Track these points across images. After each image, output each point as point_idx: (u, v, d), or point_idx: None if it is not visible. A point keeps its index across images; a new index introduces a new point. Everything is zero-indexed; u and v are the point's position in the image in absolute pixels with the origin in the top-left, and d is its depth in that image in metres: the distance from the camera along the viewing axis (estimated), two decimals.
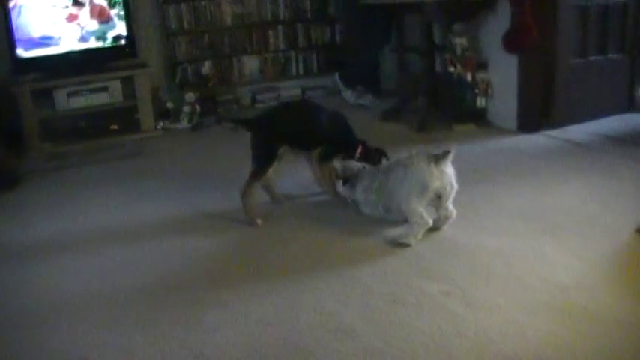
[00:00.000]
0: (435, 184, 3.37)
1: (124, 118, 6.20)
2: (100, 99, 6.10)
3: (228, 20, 7.10)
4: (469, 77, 5.53)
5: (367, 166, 3.94)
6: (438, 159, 3.40)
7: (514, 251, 3.19)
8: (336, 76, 7.06)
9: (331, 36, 7.50)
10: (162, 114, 6.47)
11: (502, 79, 5.39)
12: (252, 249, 3.48)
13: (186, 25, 6.94)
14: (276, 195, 4.14)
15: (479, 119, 5.58)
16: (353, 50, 7.20)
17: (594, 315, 2.57)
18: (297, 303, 2.84)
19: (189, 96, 6.49)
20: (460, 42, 5.45)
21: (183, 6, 6.90)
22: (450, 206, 3.48)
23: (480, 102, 5.57)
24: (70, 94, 5.99)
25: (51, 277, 3.31)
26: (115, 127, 6.17)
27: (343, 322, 2.66)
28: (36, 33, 5.96)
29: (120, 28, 6.24)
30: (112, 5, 6.18)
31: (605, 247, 3.19)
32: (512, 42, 5.06)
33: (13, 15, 5.84)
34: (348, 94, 6.89)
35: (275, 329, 2.66)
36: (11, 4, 5.80)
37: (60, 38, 6.05)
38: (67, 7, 6.03)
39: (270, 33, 7.27)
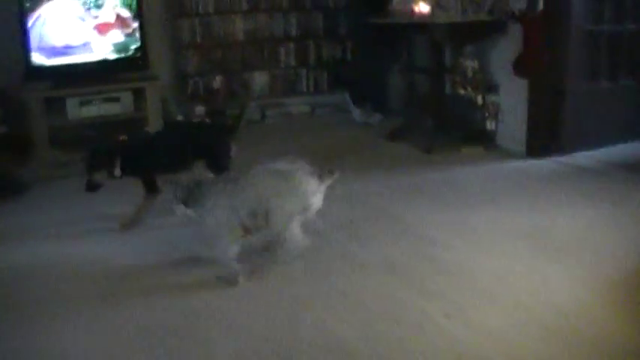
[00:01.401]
0: (315, 203, 3.24)
1: (133, 128, 6.21)
2: (112, 109, 6.12)
3: (240, 35, 7.13)
4: (479, 100, 5.53)
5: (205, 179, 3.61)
6: (322, 177, 3.28)
7: (517, 274, 3.18)
8: (346, 94, 7.06)
9: (342, 54, 7.52)
10: None
11: (512, 102, 5.39)
12: (249, 260, 3.47)
13: (198, 39, 6.98)
14: None
15: (487, 142, 5.58)
16: (362, 69, 7.23)
17: (595, 341, 2.56)
18: (297, 320, 2.84)
19: (199, 109, 6.51)
20: (471, 64, 5.46)
21: (196, 20, 6.93)
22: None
23: (490, 125, 5.57)
24: (82, 103, 6.01)
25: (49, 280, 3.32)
26: (124, 137, 6.17)
27: (343, 341, 2.65)
28: (59, 42, 6.02)
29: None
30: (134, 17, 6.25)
31: (609, 274, 3.17)
32: (523, 66, 5.07)
33: (37, 24, 5.90)
34: (357, 113, 6.90)
35: (274, 345, 2.65)
36: (35, 14, 5.85)
37: (81, 48, 6.10)
38: (96, 17, 6.11)
39: (281, 49, 7.30)
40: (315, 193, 3.23)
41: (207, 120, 6.68)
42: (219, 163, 4.06)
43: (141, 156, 4.12)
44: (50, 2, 5.94)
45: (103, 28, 6.17)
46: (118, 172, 4.00)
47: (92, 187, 4.04)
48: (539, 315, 2.79)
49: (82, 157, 4.05)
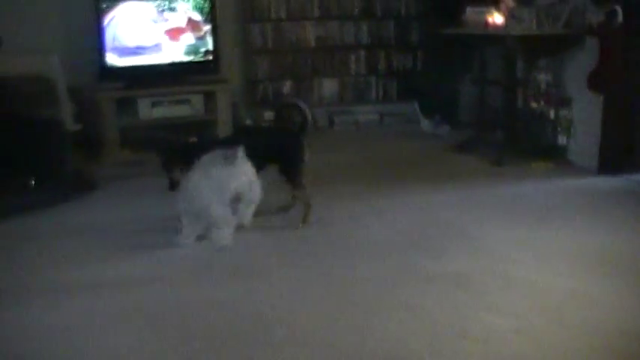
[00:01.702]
0: (232, 184, 3.47)
1: (203, 131, 6.29)
2: (182, 111, 6.21)
3: (311, 42, 7.16)
4: (551, 114, 5.45)
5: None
6: (228, 158, 3.47)
7: (587, 294, 3.11)
8: (416, 104, 7.03)
9: (412, 63, 7.49)
10: None
11: (585, 117, 5.29)
12: (325, 273, 3.49)
13: (270, 44, 7.03)
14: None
15: (558, 157, 5.48)
16: (432, 79, 7.19)
17: None
18: (363, 329, 2.82)
19: (268, 114, 6.56)
20: (544, 78, 5.38)
21: (268, 25, 6.99)
22: (249, 214, 3.59)
23: (561, 140, 5.48)
24: (153, 104, 6.12)
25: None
26: (194, 139, 6.26)
27: (409, 352, 2.62)
28: (131, 43, 6.16)
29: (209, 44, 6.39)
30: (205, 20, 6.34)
31: None
32: (598, 81, 4.97)
33: (112, 24, 6.05)
34: (425, 124, 6.87)
35: (339, 353, 2.64)
36: (109, 16, 5.99)
37: (153, 49, 6.23)
38: (168, 20, 6.23)
39: (352, 57, 7.31)
40: (229, 174, 3.50)
41: (273, 124, 6.73)
42: (291, 168, 4.10)
43: None
44: (124, 4, 6.08)
45: (175, 32, 6.28)
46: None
47: (174, 185, 4.13)
48: (610, 338, 2.72)
49: (156, 154, 4.12)
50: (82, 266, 3.62)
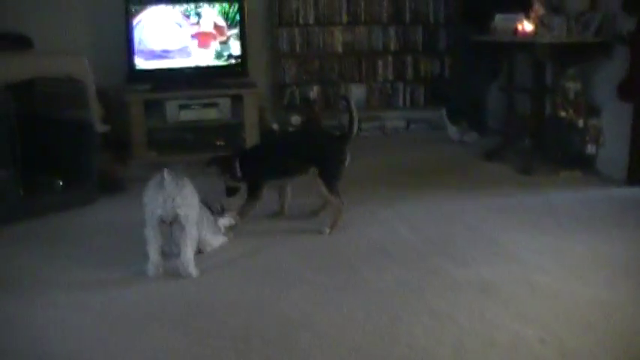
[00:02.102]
0: (157, 211, 3.41)
1: (230, 135, 6.32)
2: (209, 114, 6.24)
3: (339, 47, 7.17)
4: (580, 123, 5.40)
5: None
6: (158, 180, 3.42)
7: (614, 304, 3.07)
8: (443, 111, 7.01)
9: (440, 70, 7.47)
10: None
11: (615, 127, 5.23)
12: (351, 278, 3.48)
13: (297, 49, 7.05)
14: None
15: (586, 166, 5.43)
16: (460, 85, 7.17)
17: None
18: (389, 335, 2.81)
19: (295, 119, 6.57)
20: (573, 86, 5.34)
21: (297, 30, 7.02)
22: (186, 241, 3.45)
23: (590, 149, 5.42)
24: (181, 107, 6.15)
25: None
26: (221, 142, 6.30)
27: (434, 359, 2.62)
28: (157, 46, 6.24)
29: (234, 48, 6.40)
30: (229, 26, 6.37)
31: None
32: (628, 90, 4.92)
33: (138, 28, 6.13)
34: (453, 131, 6.84)
35: (364, 359, 2.63)
36: (136, 20, 6.06)
37: (179, 52, 6.30)
38: (195, 24, 6.31)
39: (380, 62, 7.31)
40: (154, 200, 3.43)
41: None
42: (332, 172, 4.10)
43: (257, 161, 4.27)
44: (152, 7, 6.16)
45: (202, 36, 6.32)
46: (238, 174, 4.18)
47: (230, 191, 4.25)
48: (636, 348, 2.70)
49: (208, 163, 4.23)
50: (108, 266, 3.65)
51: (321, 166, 4.09)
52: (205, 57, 6.37)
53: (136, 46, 6.16)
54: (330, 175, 4.09)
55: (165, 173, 3.39)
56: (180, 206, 3.40)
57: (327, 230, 4.11)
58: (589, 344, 2.71)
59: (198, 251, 3.66)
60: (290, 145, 4.53)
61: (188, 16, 6.27)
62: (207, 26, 6.33)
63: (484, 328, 2.85)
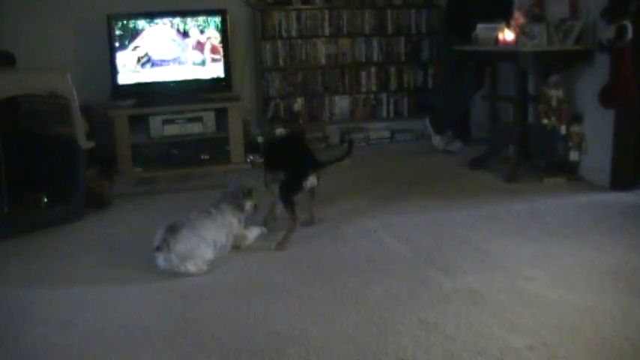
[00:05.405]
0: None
1: (215, 148, 6.32)
2: (194, 128, 6.25)
3: (322, 59, 7.20)
4: (563, 130, 5.44)
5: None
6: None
7: (602, 310, 3.09)
8: (427, 120, 7.04)
9: (423, 80, 7.52)
10: (253, 147, 6.56)
11: (597, 133, 5.28)
12: (339, 290, 3.48)
13: (281, 62, 7.07)
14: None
15: (570, 173, 5.47)
16: (444, 95, 7.20)
17: None
18: (378, 347, 2.81)
19: (280, 131, 6.58)
20: (555, 94, 5.38)
21: (280, 43, 7.04)
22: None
23: (573, 156, 5.46)
24: (165, 122, 6.15)
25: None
26: (206, 156, 6.30)
27: None
28: (144, 60, 6.26)
29: (218, 62, 6.44)
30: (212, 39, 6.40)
31: None
32: (609, 96, 4.97)
33: (121, 43, 6.13)
34: (437, 140, 6.87)
35: None
36: (119, 35, 6.09)
37: (167, 67, 6.34)
38: (179, 38, 6.33)
39: (363, 74, 7.34)
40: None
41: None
42: (289, 185, 4.14)
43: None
44: (135, 22, 6.19)
45: (185, 50, 6.32)
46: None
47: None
48: (624, 354, 2.70)
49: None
50: (94, 283, 3.63)
51: (285, 173, 4.15)
52: (189, 71, 6.37)
53: (123, 60, 6.15)
54: (287, 186, 4.11)
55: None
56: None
57: (273, 247, 4.09)
58: (577, 351, 2.73)
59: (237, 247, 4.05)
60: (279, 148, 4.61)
61: (178, 31, 6.28)
62: (190, 40, 6.33)
63: (473, 337, 2.86)
